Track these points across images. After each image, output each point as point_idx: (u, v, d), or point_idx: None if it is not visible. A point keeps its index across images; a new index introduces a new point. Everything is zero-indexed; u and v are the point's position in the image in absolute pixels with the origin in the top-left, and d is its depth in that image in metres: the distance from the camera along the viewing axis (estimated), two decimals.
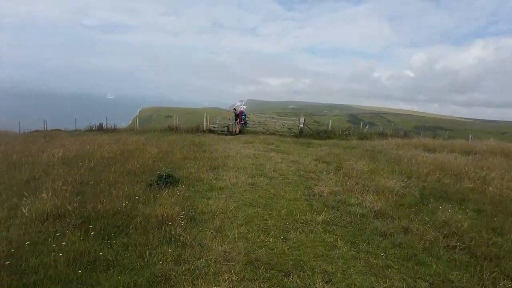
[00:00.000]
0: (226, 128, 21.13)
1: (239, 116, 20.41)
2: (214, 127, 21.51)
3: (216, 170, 8.71)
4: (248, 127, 21.72)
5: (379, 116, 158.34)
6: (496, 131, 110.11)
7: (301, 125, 20.72)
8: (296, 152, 12.71)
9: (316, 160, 10.75)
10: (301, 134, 20.33)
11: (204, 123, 21.34)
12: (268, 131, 21.23)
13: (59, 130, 25.76)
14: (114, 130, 22.56)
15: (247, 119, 21.48)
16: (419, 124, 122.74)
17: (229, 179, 7.69)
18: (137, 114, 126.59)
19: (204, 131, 20.84)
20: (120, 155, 9.90)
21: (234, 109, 21.02)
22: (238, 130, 20.26)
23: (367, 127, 23.92)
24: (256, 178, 7.91)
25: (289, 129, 21.49)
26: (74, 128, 25.46)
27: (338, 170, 9.02)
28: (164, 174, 7.00)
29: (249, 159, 10.57)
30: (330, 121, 22.64)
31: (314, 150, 13.56)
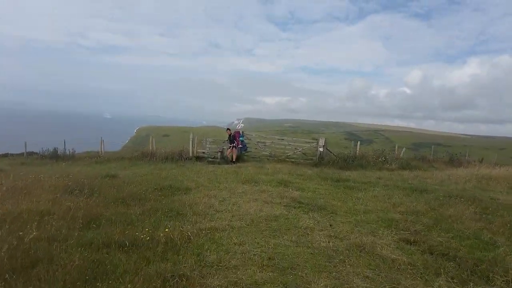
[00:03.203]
0: (219, 153, 15.09)
1: (235, 138, 14.41)
2: (204, 153, 15.48)
3: None
4: (249, 151, 15.71)
5: (377, 133, 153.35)
6: (494, 147, 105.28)
7: (321, 149, 14.77)
8: (343, 208, 6.64)
9: (412, 243, 4.65)
10: (321, 161, 14.35)
11: (190, 147, 15.30)
12: (276, 156, 15.24)
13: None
14: (72, 157, 16.48)
15: (246, 141, 15.47)
16: (417, 140, 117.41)
17: None
18: (135, 133, 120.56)
19: (189, 159, 14.79)
20: None
21: (228, 129, 15.11)
22: (235, 157, 14.22)
23: (403, 150, 18.00)
24: None
25: (304, 154, 15.51)
26: (32, 153, 19.34)
27: None
28: None
29: (260, 243, 4.50)
30: (359, 143, 16.66)
31: (367, 198, 7.52)
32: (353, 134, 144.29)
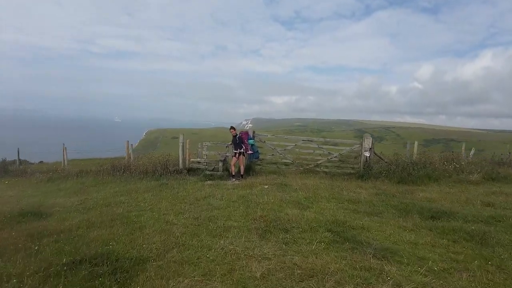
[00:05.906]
0: (220, 163, 10.37)
1: (243, 140, 9.58)
2: (199, 162, 10.80)
3: None
4: (262, 159, 10.88)
5: (387, 130, 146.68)
6: (510, 141, 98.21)
7: (367, 154, 9.93)
8: None
9: None
10: (369, 171, 9.52)
11: (180, 155, 10.63)
12: (302, 165, 10.47)
13: None
14: (24, 172, 12.01)
15: (257, 143, 10.50)
16: (429, 137, 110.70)
17: None
18: (144, 136, 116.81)
19: (179, 172, 10.15)
20: None
21: (232, 127, 10.14)
22: (243, 169, 9.49)
23: (472, 152, 12.96)
24: None
25: (341, 161, 10.67)
26: None
27: None
28: None
29: None
30: (416, 143, 11.74)
31: None
32: (364, 132, 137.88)
